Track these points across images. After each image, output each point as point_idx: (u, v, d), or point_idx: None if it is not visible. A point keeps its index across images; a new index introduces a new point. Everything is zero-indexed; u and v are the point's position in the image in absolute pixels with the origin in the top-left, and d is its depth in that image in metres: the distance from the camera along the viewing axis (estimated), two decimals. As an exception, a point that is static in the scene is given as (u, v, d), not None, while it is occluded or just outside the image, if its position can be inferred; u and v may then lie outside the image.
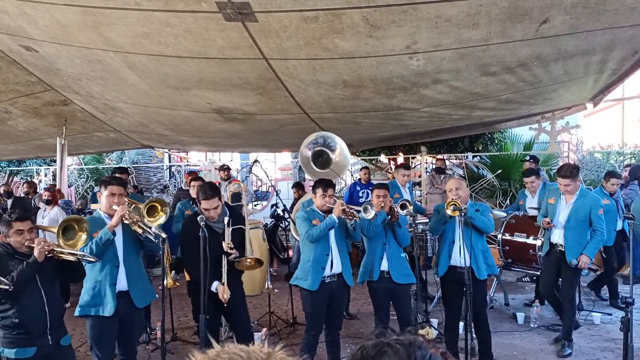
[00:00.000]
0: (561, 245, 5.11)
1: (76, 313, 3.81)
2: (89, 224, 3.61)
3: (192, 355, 0.98)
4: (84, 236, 3.56)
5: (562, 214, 5.10)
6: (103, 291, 3.77)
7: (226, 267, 4.13)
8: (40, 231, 4.63)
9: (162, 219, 4.07)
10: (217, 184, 9.18)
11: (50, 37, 4.48)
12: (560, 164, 11.17)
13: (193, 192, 6.35)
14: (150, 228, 3.80)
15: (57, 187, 8.50)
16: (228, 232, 4.19)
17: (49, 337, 3.40)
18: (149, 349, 5.36)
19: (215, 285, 4.13)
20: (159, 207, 4.09)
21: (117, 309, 3.76)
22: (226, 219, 4.18)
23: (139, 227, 3.80)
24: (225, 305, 4.17)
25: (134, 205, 4.00)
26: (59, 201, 8.10)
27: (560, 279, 5.32)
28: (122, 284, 3.85)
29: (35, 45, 4.76)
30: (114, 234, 3.75)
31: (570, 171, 5.02)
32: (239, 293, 4.34)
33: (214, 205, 4.16)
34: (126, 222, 3.78)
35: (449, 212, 4.45)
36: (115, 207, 3.81)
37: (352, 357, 0.97)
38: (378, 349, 0.94)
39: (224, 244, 4.12)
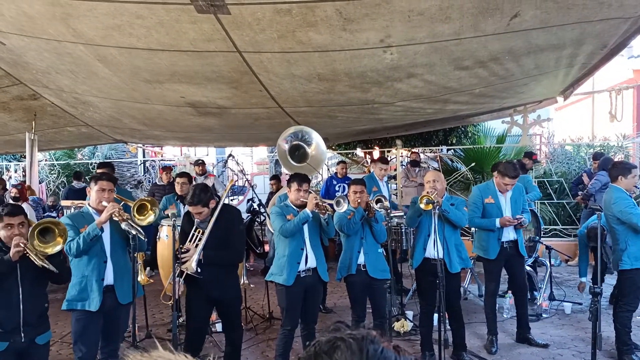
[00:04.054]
0: (511, 241, 5.09)
1: (63, 307, 3.81)
2: (67, 230, 3.53)
3: (128, 355, 1.01)
4: (59, 246, 3.45)
5: (507, 210, 5.06)
6: (90, 286, 3.77)
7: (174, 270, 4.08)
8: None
9: (151, 217, 4.07)
10: (193, 179, 9.12)
11: (17, 29, 4.37)
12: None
13: (178, 189, 6.30)
14: (125, 223, 3.76)
15: (27, 183, 8.33)
16: (194, 234, 4.10)
17: (22, 335, 3.35)
18: (123, 347, 5.30)
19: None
20: (149, 206, 4.08)
21: (102, 304, 3.76)
22: (196, 221, 4.11)
23: (130, 224, 3.77)
24: (220, 303, 4.22)
25: (122, 203, 3.95)
26: (29, 198, 7.94)
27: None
28: (108, 279, 3.85)
29: (1, 37, 4.64)
30: (101, 230, 3.73)
31: (518, 172, 5.11)
32: (232, 292, 4.29)
33: (197, 211, 4.09)
34: (115, 219, 3.76)
35: (422, 205, 4.49)
36: (104, 202, 3.79)
37: (306, 352, 0.97)
38: (331, 343, 0.94)
39: (183, 246, 4.06)
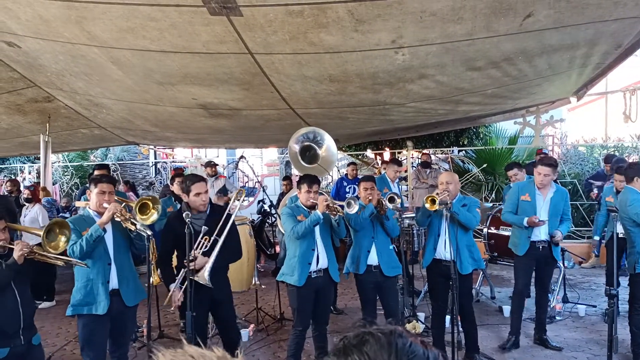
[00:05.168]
0: (544, 242, 5.02)
1: (68, 312, 3.77)
2: (70, 228, 3.56)
3: (155, 353, 1.01)
4: (63, 239, 3.51)
5: (542, 210, 5.02)
6: (96, 289, 3.74)
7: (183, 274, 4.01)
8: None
9: (154, 216, 4.03)
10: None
11: (32, 32, 4.41)
12: (545, 158, 11.30)
13: (176, 189, 6.29)
14: (136, 225, 3.78)
15: (42, 184, 8.42)
16: (201, 241, 4.05)
17: (22, 338, 3.37)
18: (136, 347, 5.33)
19: (172, 286, 4.06)
20: (151, 205, 4.06)
21: (110, 307, 3.74)
22: (204, 228, 4.03)
23: (131, 224, 3.78)
24: (214, 302, 4.16)
25: (124, 203, 3.96)
26: (43, 199, 8.02)
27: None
28: (113, 282, 3.82)
29: (17, 40, 4.69)
30: (104, 230, 3.73)
31: (553, 160, 5.07)
32: (226, 291, 4.30)
33: (204, 188, 4.11)
34: (117, 219, 3.76)
35: (427, 205, 4.48)
36: (105, 204, 3.78)
37: (334, 347, 0.98)
38: (360, 338, 0.95)
39: (191, 254, 3.96)
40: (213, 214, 4.22)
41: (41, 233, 3.42)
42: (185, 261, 3.91)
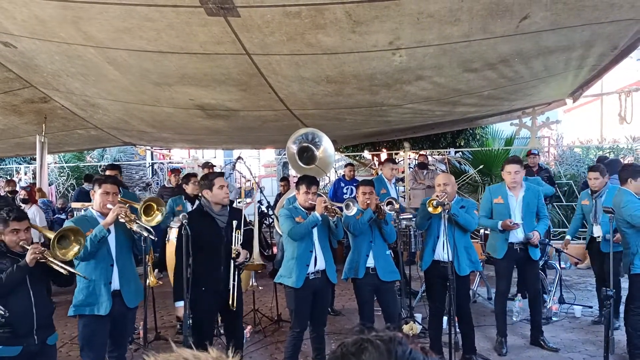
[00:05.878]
0: (521, 244, 5.01)
1: (70, 313, 3.76)
2: (84, 237, 3.54)
3: (147, 356, 1.00)
4: (76, 248, 3.49)
5: (516, 211, 5.01)
6: (98, 290, 3.74)
7: (232, 272, 4.09)
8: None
9: (158, 217, 4.04)
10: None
11: (28, 33, 4.40)
12: (542, 159, 11.35)
13: (190, 189, 6.27)
14: (136, 225, 3.77)
15: (38, 185, 8.40)
16: (237, 235, 4.12)
17: (35, 337, 3.37)
18: (132, 349, 5.30)
19: (180, 304, 4.01)
20: (155, 207, 4.06)
21: (111, 308, 3.74)
22: (235, 222, 4.11)
23: (136, 225, 3.76)
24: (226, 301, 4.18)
25: (128, 204, 3.96)
26: (39, 200, 8.00)
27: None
28: (115, 283, 3.81)
29: (13, 40, 4.68)
30: (108, 231, 3.72)
31: (517, 157, 5.09)
32: (238, 292, 4.29)
33: (225, 182, 4.17)
34: (122, 220, 3.74)
35: (430, 209, 4.48)
36: (109, 205, 3.78)
37: (332, 354, 0.96)
38: (358, 345, 0.93)
39: (232, 249, 4.08)
40: (232, 209, 4.30)
41: (56, 237, 3.42)
42: (233, 258, 4.07)
